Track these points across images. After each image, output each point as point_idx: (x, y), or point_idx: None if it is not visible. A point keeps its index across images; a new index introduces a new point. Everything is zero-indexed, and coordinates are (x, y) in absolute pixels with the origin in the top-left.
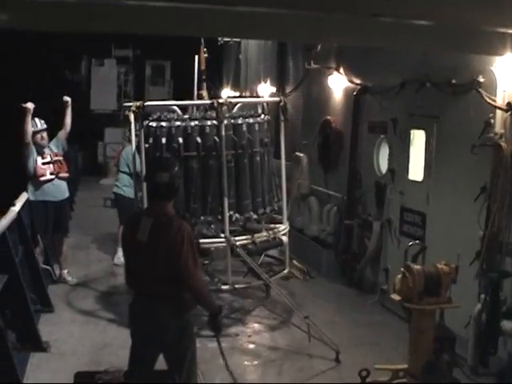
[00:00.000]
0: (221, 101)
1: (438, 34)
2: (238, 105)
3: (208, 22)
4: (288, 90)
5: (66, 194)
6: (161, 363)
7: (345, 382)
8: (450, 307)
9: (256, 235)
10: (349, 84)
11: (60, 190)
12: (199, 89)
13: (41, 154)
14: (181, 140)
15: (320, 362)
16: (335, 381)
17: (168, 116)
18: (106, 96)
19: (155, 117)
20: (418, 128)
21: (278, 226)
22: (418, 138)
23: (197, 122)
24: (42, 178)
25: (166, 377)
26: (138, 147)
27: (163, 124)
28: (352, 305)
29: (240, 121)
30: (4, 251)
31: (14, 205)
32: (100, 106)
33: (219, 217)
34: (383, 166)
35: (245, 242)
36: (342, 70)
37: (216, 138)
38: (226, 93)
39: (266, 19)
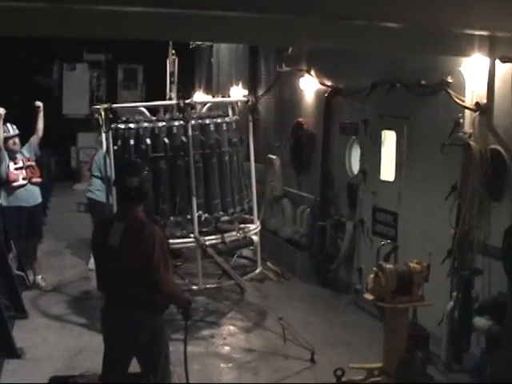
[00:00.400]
0: (187, 101)
1: (408, 37)
2: (207, 105)
3: (181, 27)
4: (260, 92)
5: (39, 200)
6: (134, 366)
7: (320, 381)
8: (422, 305)
9: (226, 235)
10: (320, 86)
11: (33, 195)
12: (170, 91)
13: (13, 159)
14: (148, 141)
15: (295, 363)
16: (310, 381)
17: (136, 118)
18: (78, 101)
19: (124, 119)
20: (389, 129)
21: (248, 225)
22: (389, 138)
23: (164, 123)
24: (15, 184)
25: (140, 379)
26: (108, 150)
27: (131, 126)
28: (326, 305)
29: (207, 121)
30: None
31: None
32: (72, 110)
33: (188, 217)
34: (355, 166)
35: (214, 241)
36: (313, 72)
37: (183, 138)
38: (199, 96)
39: (239, 23)
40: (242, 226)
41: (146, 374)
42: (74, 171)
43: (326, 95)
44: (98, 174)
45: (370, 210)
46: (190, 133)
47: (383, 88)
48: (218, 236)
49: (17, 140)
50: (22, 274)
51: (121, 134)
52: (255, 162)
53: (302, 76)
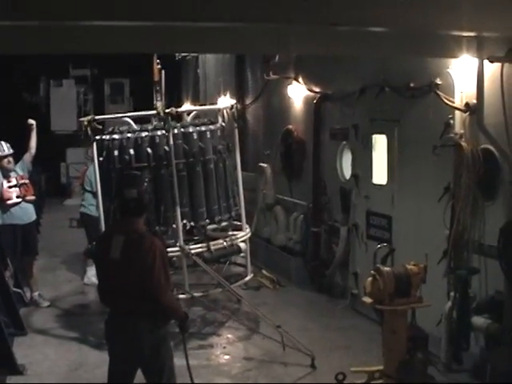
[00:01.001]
0: (167, 110)
1: (395, 40)
2: (192, 114)
3: (167, 39)
4: (248, 101)
5: (33, 217)
6: (139, 378)
7: None
8: (421, 306)
9: (212, 243)
10: (309, 93)
11: (27, 213)
12: (156, 100)
13: (6, 177)
14: (132, 151)
15: (296, 369)
16: None
17: (121, 129)
18: (66, 116)
19: (110, 130)
20: (380, 132)
21: (235, 232)
22: (380, 142)
23: (147, 133)
24: (9, 202)
25: None
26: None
27: (115, 136)
28: (323, 310)
29: (191, 129)
30: None
31: None
32: (60, 126)
33: (174, 226)
34: (347, 171)
35: (200, 250)
36: (300, 80)
37: (166, 147)
38: (186, 107)
39: (226, 33)
40: (230, 233)
41: None
42: (64, 187)
43: (315, 101)
44: (90, 188)
45: (363, 214)
46: (171, 142)
47: (372, 92)
48: (204, 244)
49: (11, 159)
50: (19, 291)
51: (106, 145)
52: (246, 170)
53: (290, 83)
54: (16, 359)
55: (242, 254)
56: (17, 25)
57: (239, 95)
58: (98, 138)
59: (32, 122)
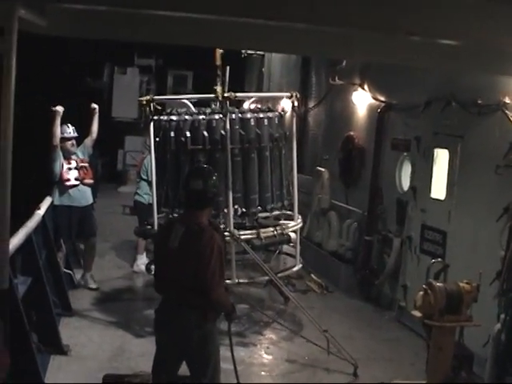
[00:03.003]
0: (226, 94)
1: (466, 54)
2: (251, 100)
3: (236, 35)
4: (311, 104)
5: (90, 200)
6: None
7: None
8: (470, 325)
9: (262, 230)
10: (372, 101)
11: (85, 196)
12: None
13: (67, 159)
14: (188, 133)
15: (338, 376)
16: None
17: (179, 111)
18: (127, 104)
19: (168, 111)
20: (442, 147)
21: (286, 222)
22: (442, 156)
23: (204, 116)
24: (67, 183)
25: (191, 382)
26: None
27: (173, 118)
28: (369, 320)
29: (248, 115)
30: (29, 254)
31: (39, 208)
32: (121, 114)
33: (225, 210)
34: (405, 183)
35: (250, 236)
36: (366, 87)
37: (222, 131)
38: (249, 104)
39: (296, 34)
40: (281, 222)
41: (196, 378)
42: (119, 174)
43: (379, 110)
44: (145, 177)
45: (418, 228)
46: (228, 126)
47: (438, 105)
48: (254, 231)
49: (74, 142)
50: (69, 272)
51: (162, 126)
52: (303, 173)
53: (355, 90)
54: (61, 339)
55: (291, 244)
56: (96, 9)
57: (302, 98)
58: (155, 118)
59: (95, 106)
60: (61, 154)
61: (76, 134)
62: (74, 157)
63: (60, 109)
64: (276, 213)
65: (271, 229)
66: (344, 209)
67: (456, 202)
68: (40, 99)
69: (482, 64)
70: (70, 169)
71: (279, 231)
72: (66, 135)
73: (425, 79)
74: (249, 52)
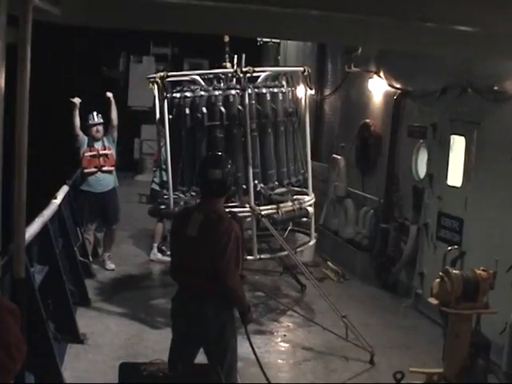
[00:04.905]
0: (245, 69)
1: (482, 41)
2: (263, 75)
3: (252, 22)
4: (326, 92)
5: (110, 186)
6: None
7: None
8: (487, 313)
9: (281, 205)
10: (389, 88)
11: (102, 182)
12: (223, 61)
13: (90, 146)
14: (204, 110)
15: (354, 364)
16: (370, 382)
17: (192, 87)
18: (143, 93)
19: (178, 89)
20: (459, 134)
21: (301, 197)
22: (458, 143)
23: (220, 92)
24: (86, 170)
25: (208, 370)
26: (161, 119)
27: (187, 94)
28: (386, 308)
29: (264, 90)
30: (46, 242)
31: (55, 197)
32: (137, 102)
33: (244, 187)
34: (421, 170)
35: (270, 211)
36: (382, 74)
37: (240, 107)
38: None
39: (311, 21)
40: (297, 197)
41: (213, 366)
42: (136, 162)
43: (395, 97)
44: (163, 166)
45: (435, 215)
46: (247, 101)
47: (454, 92)
48: (274, 206)
49: (100, 128)
50: (86, 261)
51: (176, 103)
52: (319, 161)
53: (371, 77)
54: (78, 328)
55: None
56: None
57: (318, 85)
58: (168, 95)
59: (109, 94)
60: (85, 141)
61: (101, 120)
62: (96, 144)
63: (77, 100)
64: (282, 190)
65: (290, 203)
66: (360, 196)
67: (473, 188)
68: (58, 89)
69: (498, 50)
70: (90, 156)
71: (297, 206)
72: (90, 122)
73: (441, 66)
74: (264, 40)
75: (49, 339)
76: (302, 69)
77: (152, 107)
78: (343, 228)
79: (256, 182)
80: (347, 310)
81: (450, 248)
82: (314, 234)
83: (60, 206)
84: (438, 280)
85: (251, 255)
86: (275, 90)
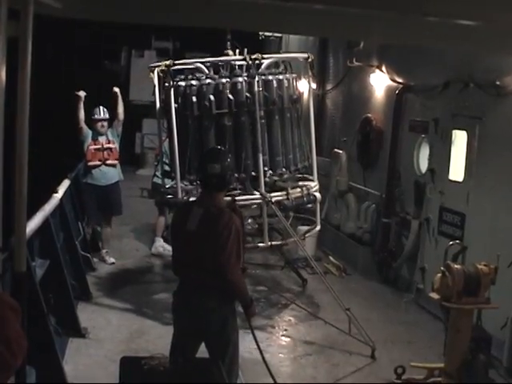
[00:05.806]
0: (253, 56)
1: (485, 35)
2: (265, 62)
3: (255, 17)
4: (328, 86)
5: (114, 180)
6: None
7: (380, 378)
8: (488, 308)
9: (290, 191)
10: (390, 82)
11: (105, 176)
12: (225, 48)
13: (94, 140)
14: (212, 97)
15: (355, 358)
16: (371, 377)
17: (197, 75)
18: (145, 87)
19: (183, 77)
20: (460, 128)
21: (307, 183)
22: (460, 138)
23: (228, 79)
24: (90, 163)
25: (209, 365)
26: (164, 108)
27: (193, 82)
28: (387, 302)
29: (270, 77)
30: (47, 236)
31: (56, 191)
32: (139, 97)
33: (253, 174)
34: (423, 165)
35: (280, 198)
36: (384, 69)
37: (248, 94)
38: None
39: (313, 15)
40: (303, 183)
41: (215, 360)
42: (137, 156)
43: (397, 92)
44: (165, 160)
45: (436, 210)
46: (255, 88)
47: (456, 87)
48: (283, 193)
49: (105, 123)
50: (87, 255)
51: (181, 91)
52: (321, 155)
53: (373, 72)
54: (80, 322)
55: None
56: None
57: (320, 80)
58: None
59: (116, 89)
60: (89, 134)
61: (106, 116)
62: (101, 138)
63: (82, 94)
64: (285, 176)
65: (298, 189)
66: (362, 191)
67: (474, 183)
68: (58, 82)
69: (500, 45)
70: (94, 149)
71: (305, 192)
72: (96, 117)
73: (442, 61)
74: (266, 34)
75: (50, 333)
76: (305, 55)
77: (153, 101)
78: (345, 222)
79: (265, 168)
80: (348, 305)
81: (451, 243)
82: (319, 221)
83: (61, 199)
84: (439, 275)
85: (262, 243)
86: (281, 76)
